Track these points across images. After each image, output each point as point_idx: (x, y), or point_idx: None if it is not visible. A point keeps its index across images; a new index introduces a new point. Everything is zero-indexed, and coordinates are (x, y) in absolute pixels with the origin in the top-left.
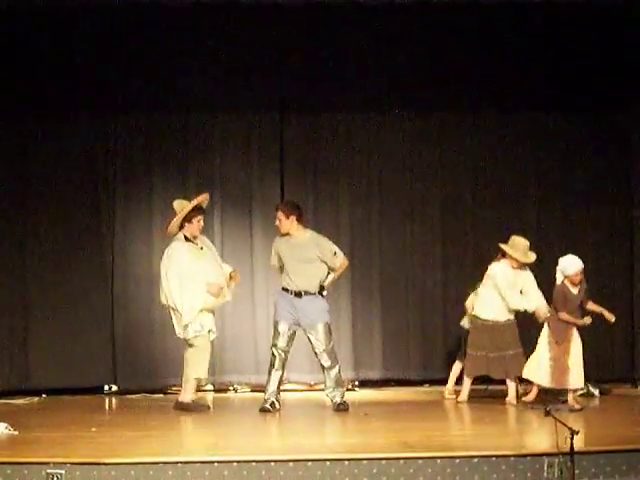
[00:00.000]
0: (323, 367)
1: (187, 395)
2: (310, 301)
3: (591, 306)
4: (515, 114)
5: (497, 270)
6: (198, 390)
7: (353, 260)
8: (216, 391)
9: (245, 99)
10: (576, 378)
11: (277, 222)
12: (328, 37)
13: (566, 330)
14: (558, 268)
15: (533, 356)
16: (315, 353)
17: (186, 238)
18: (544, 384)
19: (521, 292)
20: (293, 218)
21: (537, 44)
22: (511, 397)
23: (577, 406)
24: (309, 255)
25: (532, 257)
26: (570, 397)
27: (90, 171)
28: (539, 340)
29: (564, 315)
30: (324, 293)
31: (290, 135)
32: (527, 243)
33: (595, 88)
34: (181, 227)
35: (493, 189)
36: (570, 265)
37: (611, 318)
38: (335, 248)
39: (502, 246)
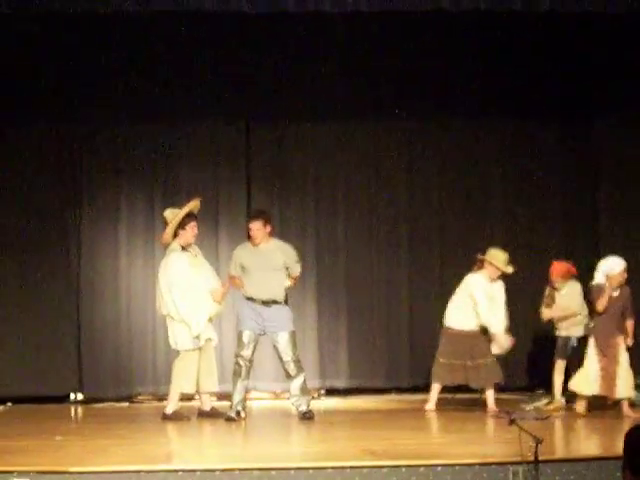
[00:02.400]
0: (289, 376)
1: (170, 406)
2: (277, 310)
3: (628, 324)
4: (482, 122)
5: (475, 281)
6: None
7: (319, 268)
8: (182, 400)
9: (212, 108)
10: (626, 387)
11: (254, 232)
12: (294, 47)
13: (610, 339)
14: (600, 270)
15: (582, 369)
16: (281, 362)
17: (182, 247)
18: (591, 392)
19: None
20: (269, 227)
21: (504, 52)
22: (491, 405)
23: (633, 415)
24: (276, 263)
25: (511, 269)
26: (625, 406)
27: (57, 180)
28: (587, 353)
29: (600, 303)
30: (288, 301)
31: (256, 144)
32: (506, 255)
33: (562, 97)
34: (175, 235)
35: (459, 196)
36: (616, 264)
37: (628, 342)
38: (297, 256)
39: (484, 257)
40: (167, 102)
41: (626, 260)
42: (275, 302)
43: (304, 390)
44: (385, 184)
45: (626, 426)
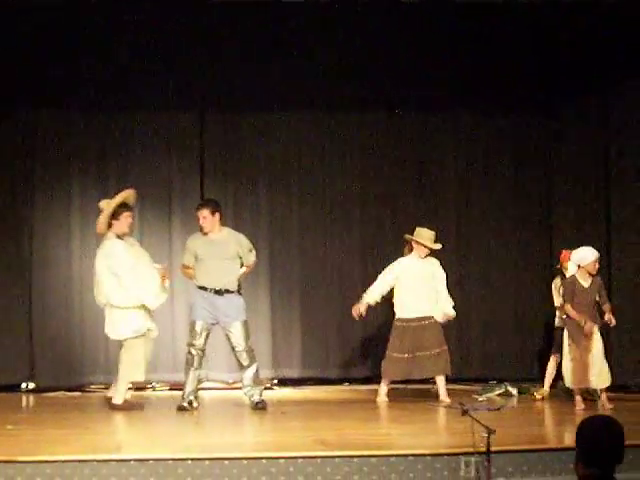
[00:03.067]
0: (241, 365)
1: (119, 396)
2: (230, 299)
3: (606, 307)
4: (438, 113)
5: (398, 263)
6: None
7: (273, 258)
8: (135, 389)
9: (165, 97)
10: (601, 377)
11: (201, 220)
12: (249, 35)
13: (583, 328)
14: (571, 261)
15: (562, 362)
16: (233, 351)
17: (117, 236)
18: (567, 384)
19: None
20: (217, 216)
21: (460, 44)
22: (444, 396)
23: (608, 405)
24: (230, 252)
25: (438, 245)
26: (602, 397)
27: (8, 169)
28: (564, 344)
29: (569, 308)
30: (241, 291)
31: (210, 133)
32: (432, 233)
33: (520, 91)
34: (110, 225)
35: (415, 186)
36: (587, 255)
37: (610, 321)
38: (250, 244)
39: (407, 236)
40: (121, 90)
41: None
42: (228, 291)
43: (256, 380)
44: (339, 174)
45: (580, 414)
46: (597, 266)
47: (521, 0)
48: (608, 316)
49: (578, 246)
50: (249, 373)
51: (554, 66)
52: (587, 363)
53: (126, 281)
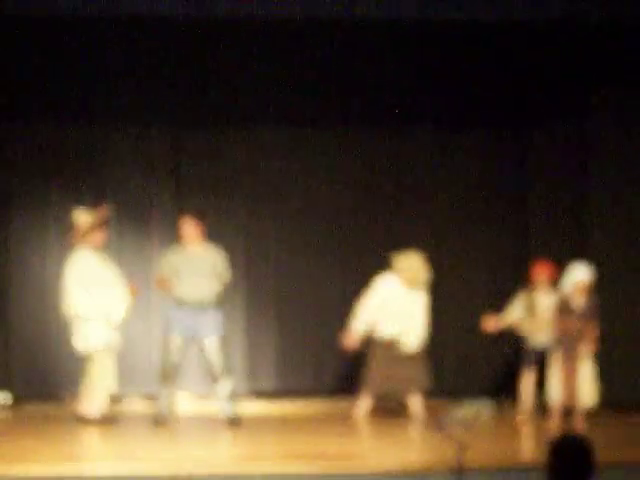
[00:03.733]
0: (216, 380)
1: (93, 409)
2: (208, 314)
3: (590, 330)
4: (412, 127)
5: (379, 281)
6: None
7: (249, 272)
8: (109, 403)
9: (141, 112)
10: (585, 396)
11: (185, 228)
12: (224, 52)
13: (574, 346)
14: (567, 278)
15: (549, 379)
16: (209, 366)
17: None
18: (551, 402)
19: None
20: (200, 228)
21: (437, 59)
22: (418, 412)
23: (582, 425)
24: (209, 267)
25: (420, 282)
26: (578, 415)
27: None
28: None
29: (557, 323)
30: (220, 306)
31: (186, 148)
32: (419, 264)
33: (491, 103)
34: (84, 239)
35: (390, 202)
36: (582, 272)
37: (590, 349)
38: (227, 262)
39: (393, 262)
40: (99, 105)
41: (557, 262)
42: (206, 306)
43: (231, 394)
44: (315, 189)
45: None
46: (587, 286)
47: (486, 21)
48: (591, 346)
49: (555, 260)
50: (224, 387)
51: (527, 78)
52: (574, 382)
53: (93, 292)
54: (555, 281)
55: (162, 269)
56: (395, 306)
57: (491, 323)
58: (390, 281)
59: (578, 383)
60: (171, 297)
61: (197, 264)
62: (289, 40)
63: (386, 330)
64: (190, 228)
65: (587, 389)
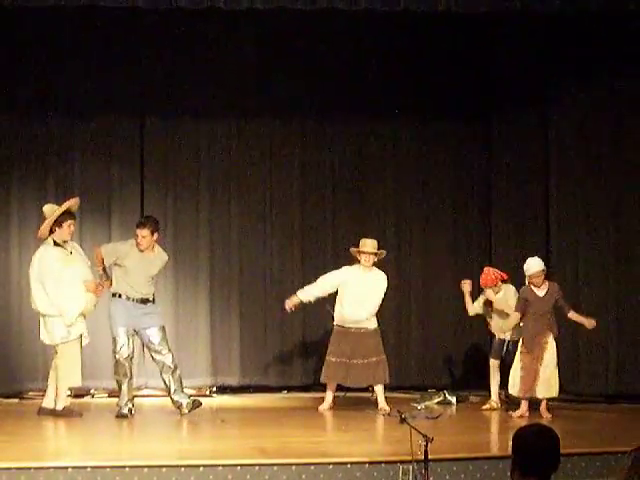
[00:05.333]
0: (169, 369)
1: (60, 402)
2: (149, 307)
3: (572, 315)
4: (377, 120)
5: (343, 271)
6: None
7: (212, 265)
8: (73, 396)
9: (105, 104)
10: (547, 387)
11: (140, 239)
12: (190, 43)
13: (537, 337)
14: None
15: (511, 370)
16: (158, 356)
17: (55, 243)
18: (514, 393)
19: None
20: (156, 235)
21: (404, 51)
22: (383, 404)
23: (547, 415)
24: (156, 269)
25: (382, 251)
26: (542, 405)
27: None
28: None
29: (513, 314)
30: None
31: (150, 140)
32: (374, 242)
33: (460, 95)
34: (51, 231)
35: (353, 194)
36: (530, 265)
37: (591, 324)
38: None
39: (352, 249)
40: (61, 96)
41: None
42: (148, 301)
43: (182, 384)
44: (278, 182)
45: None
46: (541, 276)
47: (457, 11)
48: (588, 321)
49: (517, 252)
50: (176, 376)
51: (492, 69)
52: (536, 373)
53: (49, 289)
54: (506, 278)
55: (108, 250)
56: (356, 290)
57: (467, 286)
58: (350, 269)
59: (539, 374)
60: (111, 291)
61: (147, 267)
62: (257, 30)
63: (347, 321)
64: (144, 239)
65: (548, 380)
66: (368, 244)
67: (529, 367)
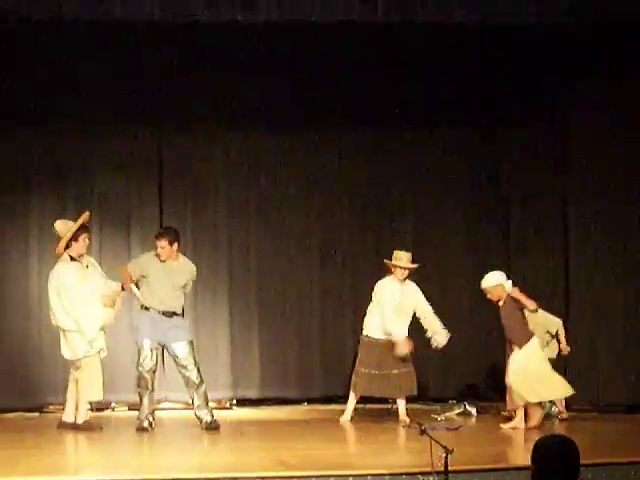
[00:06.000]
0: (193, 385)
1: (80, 416)
2: (176, 321)
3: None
4: (387, 127)
5: (381, 285)
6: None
7: (231, 277)
8: (94, 410)
9: (123, 118)
10: (514, 397)
11: (160, 250)
12: (208, 54)
13: (511, 349)
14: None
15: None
16: (182, 371)
17: (72, 258)
18: (550, 397)
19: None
20: (176, 245)
21: (410, 59)
22: (403, 415)
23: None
24: (182, 281)
25: (414, 265)
26: (518, 416)
27: None
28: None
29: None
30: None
31: (168, 152)
32: (409, 254)
33: (468, 101)
34: (67, 246)
35: (369, 203)
36: (487, 279)
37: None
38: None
39: (387, 261)
40: (80, 107)
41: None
42: (175, 314)
43: (207, 400)
44: (296, 191)
45: (536, 436)
46: (495, 292)
47: (473, 23)
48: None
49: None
50: (200, 392)
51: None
52: (508, 385)
53: (67, 305)
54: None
55: (133, 265)
56: (392, 304)
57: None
58: (387, 283)
59: (509, 381)
60: (138, 304)
61: (172, 278)
62: (272, 40)
63: (377, 332)
64: (164, 249)
65: (515, 391)
66: (404, 258)
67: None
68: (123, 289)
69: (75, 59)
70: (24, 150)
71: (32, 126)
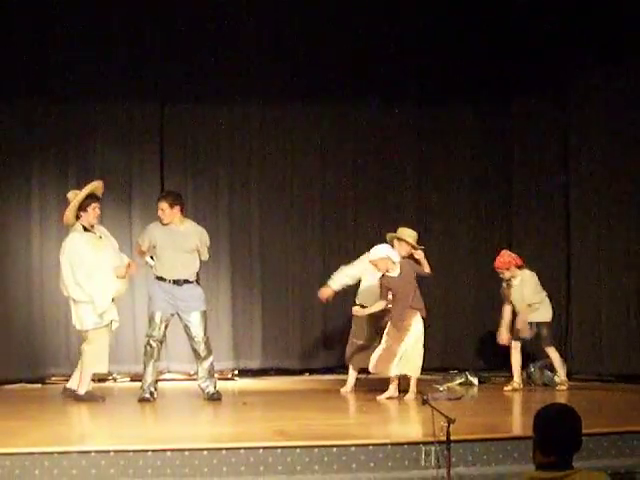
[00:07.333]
0: (199, 356)
1: (83, 387)
2: (189, 289)
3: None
4: (397, 107)
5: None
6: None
7: (233, 248)
8: (96, 381)
9: (125, 88)
10: (403, 364)
11: (160, 212)
12: (209, 26)
13: (402, 319)
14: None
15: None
16: (192, 342)
17: (85, 229)
18: (370, 369)
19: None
20: (177, 208)
21: (420, 33)
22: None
23: (391, 394)
24: (190, 245)
25: (421, 247)
26: (391, 386)
27: None
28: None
29: (378, 302)
30: (199, 282)
31: (170, 124)
32: (415, 233)
33: (480, 79)
34: (78, 217)
35: (373, 178)
36: (371, 253)
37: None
38: (208, 242)
39: (389, 234)
40: (80, 80)
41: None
42: (187, 282)
43: (212, 372)
44: (299, 165)
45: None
46: (383, 263)
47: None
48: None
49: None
50: (205, 365)
51: (513, 54)
52: (394, 352)
53: (80, 276)
54: (520, 264)
55: (142, 238)
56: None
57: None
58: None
59: (397, 352)
60: (153, 274)
61: (179, 242)
62: (278, 14)
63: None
64: (164, 212)
65: (406, 359)
66: (408, 233)
67: (389, 346)
68: (129, 266)
69: (77, 31)
70: (24, 124)
71: (32, 99)
